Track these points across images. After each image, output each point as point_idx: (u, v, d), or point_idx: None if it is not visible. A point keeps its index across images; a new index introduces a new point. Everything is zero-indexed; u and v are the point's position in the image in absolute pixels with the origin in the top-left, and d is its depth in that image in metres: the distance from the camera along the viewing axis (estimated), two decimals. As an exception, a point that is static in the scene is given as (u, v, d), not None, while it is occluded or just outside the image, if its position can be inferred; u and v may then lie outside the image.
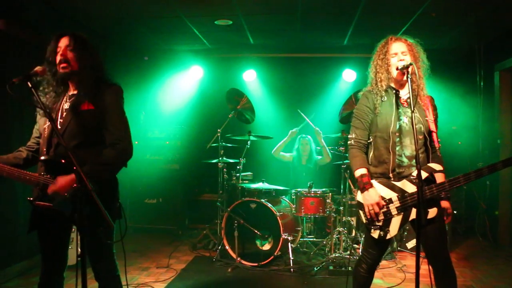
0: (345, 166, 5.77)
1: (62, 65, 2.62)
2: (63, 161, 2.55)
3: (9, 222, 4.77)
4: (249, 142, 6.03)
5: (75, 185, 2.43)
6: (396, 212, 2.91)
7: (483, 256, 5.87)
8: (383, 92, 3.02)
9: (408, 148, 2.95)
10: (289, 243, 5.32)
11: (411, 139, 2.94)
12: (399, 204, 2.91)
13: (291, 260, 5.21)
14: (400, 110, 2.99)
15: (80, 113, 2.64)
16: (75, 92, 2.72)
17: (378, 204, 2.88)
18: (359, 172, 2.97)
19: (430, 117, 3.01)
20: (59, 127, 2.66)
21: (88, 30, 6.26)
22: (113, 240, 2.71)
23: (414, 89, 2.89)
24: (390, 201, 2.92)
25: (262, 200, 5.43)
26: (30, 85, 2.41)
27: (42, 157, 2.62)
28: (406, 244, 5.96)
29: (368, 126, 3.05)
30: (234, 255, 5.37)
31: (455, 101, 7.12)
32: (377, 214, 2.91)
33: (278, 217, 5.26)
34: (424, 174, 2.87)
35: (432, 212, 2.86)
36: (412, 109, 2.72)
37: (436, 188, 2.84)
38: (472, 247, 6.34)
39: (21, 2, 4.85)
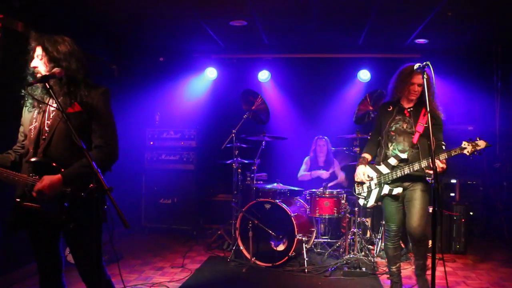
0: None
1: (35, 73, 2.65)
2: (54, 164, 2.57)
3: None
4: (263, 142, 6.05)
5: (62, 189, 2.49)
6: (374, 187, 4.04)
7: (500, 258, 5.79)
8: (391, 105, 4.05)
9: (400, 144, 3.91)
10: (304, 244, 5.31)
11: (404, 138, 3.90)
12: (376, 181, 4.01)
13: (305, 261, 5.21)
14: (399, 117, 3.96)
15: (67, 116, 2.52)
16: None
17: (361, 174, 4.04)
18: (362, 155, 4.20)
19: (422, 123, 3.81)
20: (46, 128, 2.66)
21: (105, 31, 6.33)
22: (100, 242, 2.61)
23: (429, 87, 3.40)
24: (372, 179, 4.03)
25: (277, 201, 5.43)
26: (48, 86, 2.48)
27: (33, 159, 2.61)
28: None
29: (378, 129, 4.11)
30: (248, 256, 5.38)
31: (472, 101, 7.04)
32: (361, 184, 4.10)
33: (292, 218, 5.26)
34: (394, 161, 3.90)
35: (396, 190, 3.89)
36: (427, 109, 3.20)
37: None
38: (489, 249, 6.25)
39: (39, 5, 4.92)
